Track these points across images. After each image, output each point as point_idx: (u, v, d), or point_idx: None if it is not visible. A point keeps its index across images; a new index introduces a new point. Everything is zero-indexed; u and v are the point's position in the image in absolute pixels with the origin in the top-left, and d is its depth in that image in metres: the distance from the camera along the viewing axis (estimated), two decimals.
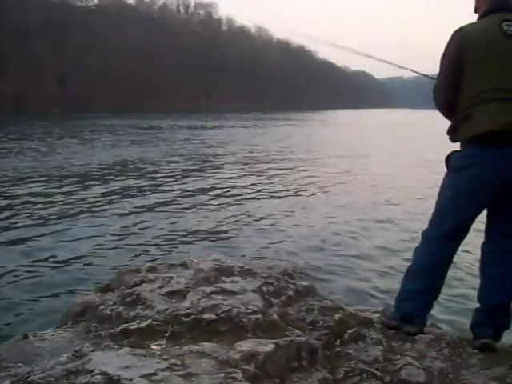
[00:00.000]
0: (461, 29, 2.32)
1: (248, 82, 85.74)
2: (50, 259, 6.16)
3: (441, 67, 2.38)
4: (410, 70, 3.15)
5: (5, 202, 9.30)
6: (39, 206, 9.07)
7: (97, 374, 1.65)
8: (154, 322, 2.11)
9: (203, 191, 11.14)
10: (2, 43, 51.68)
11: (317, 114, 74.63)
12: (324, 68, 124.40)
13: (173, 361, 1.80)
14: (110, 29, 66.42)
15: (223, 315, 2.15)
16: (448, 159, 2.40)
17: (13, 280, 5.43)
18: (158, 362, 1.78)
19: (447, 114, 2.41)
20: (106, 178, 12.58)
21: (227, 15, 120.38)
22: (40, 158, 15.62)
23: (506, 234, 2.35)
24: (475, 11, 2.49)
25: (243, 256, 5.93)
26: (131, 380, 1.62)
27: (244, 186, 11.84)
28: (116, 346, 1.97)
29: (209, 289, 2.42)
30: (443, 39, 2.43)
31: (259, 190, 11.35)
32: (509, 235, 2.35)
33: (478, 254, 2.48)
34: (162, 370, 1.71)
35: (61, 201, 9.55)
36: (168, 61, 71.79)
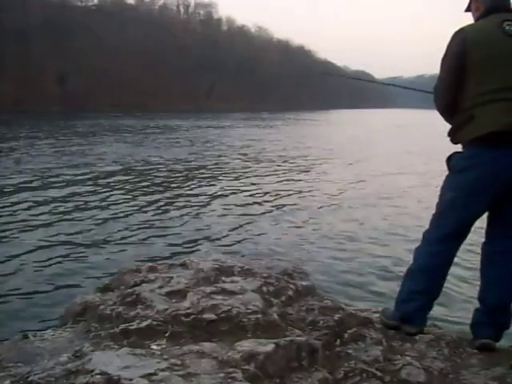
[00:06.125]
0: (462, 29, 2.31)
1: (248, 81, 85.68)
2: (50, 259, 6.16)
3: (442, 68, 2.37)
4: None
5: (6, 202, 9.29)
6: (39, 206, 9.07)
7: (97, 374, 1.65)
8: (154, 322, 2.11)
9: (204, 191, 11.14)
10: (2, 43, 51.67)
11: (321, 113, 74.33)
12: (324, 68, 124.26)
13: (173, 361, 1.80)
14: (110, 29, 66.39)
15: (223, 315, 2.15)
16: (449, 160, 2.40)
17: (13, 280, 5.43)
18: (158, 362, 1.78)
19: (447, 114, 2.40)
20: (108, 178, 12.58)
21: (227, 15, 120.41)
22: (47, 157, 15.60)
23: (506, 234, 2.35)
24: (467, 10, 2.49)
25: (243, 256, 5.92)
26: (131, 380, 1.62)
27: (246, 187, 11.84)
28: (116, 346, 1.97)
29: (209, 289, 2.43)
30: (442, 38, 2.43)
31: (261, 190, 11.35)
32: (509, 235, 2.35)
33: (478, 254, 2.48)
34: (162, 369, 1.71)
35: (61, 201, 9.55)
36: (168, 61, 71.78)
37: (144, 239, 7.13)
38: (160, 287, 2.47)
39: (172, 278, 2.60)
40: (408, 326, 2.41)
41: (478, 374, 2.10)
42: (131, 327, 2.09)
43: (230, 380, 1.69)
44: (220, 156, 17.81)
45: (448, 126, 2.43)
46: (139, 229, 7.70)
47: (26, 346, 2.10)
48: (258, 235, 7.55)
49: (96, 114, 44.82)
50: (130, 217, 8.45)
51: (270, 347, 1.89)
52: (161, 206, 9.48)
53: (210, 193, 10.95)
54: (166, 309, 2.20)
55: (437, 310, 2.88)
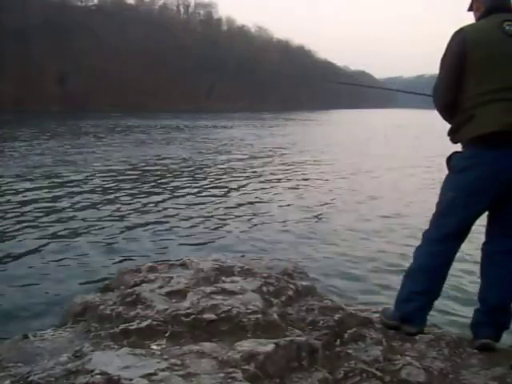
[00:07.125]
0: (461, 29, 2.31)
1: (248, 81, 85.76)
2: (50, 259, 6.16)
3: (442, 68, 2.36)
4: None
5: (6, 202, 9.29)
6: (39, 206, 9.07)
7: (97, 374, 1.65)
8: (154, 322, 2.11)
9: (205, 191, 11.14)
10: (2, 43, 51.71)
11: (321, 113, 74.00)
12: (324, 68, 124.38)
13: (173, 361, 1.80)
14: (110, 29, 66.47)
15: (223, 315, 2.15)
16: (449, 160, 2.40)
17: (13, 280, 5.43)
18: (158, 362, 1.78)
19: (447, 114, 2.40)
20: (108, 178, 12.57)
21: (227, 15, 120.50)
22: (47, 157, 15.58)
23: (506, 234, 2.35)
24: (469, 9, 2.49)
25: (243, 256, 5.92)
26: (131, 380, 1.62)
27: (247, 187, 11.83)
28: (116, 346, 1.97)
29: (209, 289, 2.43)
30: (442, 38, 2.43)
31: (262, 191, 11.34)
32: (509, 235, 2.35)
33: (478, 254, 2.48)
34: (162, 369, 1.71)
35: (61, 201, 9.55)
36: (168, 61, 71.86)
37: (144, 239, 7.12)
38: (160, 287, 2.47)
39: (172, 278, 2.60)
40: (408, 325, 2.41)
41: (478, 374, 2.10)
42: (131, 327, 2.09)
43: (229, 380, 1.69)
44: (221, 156, 17.79)
45: (448, 126, 2.43)
46: (139, 229, 7.69)
47: (26, 345, 2.10)
48: (259, 235, 7.54)
49: (96, 114, 44.81)
50: (130, 217, 8.45)
51: (269, 347, 1.89)
52: (161, 205, 9.47)
53: (211, 193, 10.93)
54: (166, 309, 2.20)
55: (437, 310, 2.89)
